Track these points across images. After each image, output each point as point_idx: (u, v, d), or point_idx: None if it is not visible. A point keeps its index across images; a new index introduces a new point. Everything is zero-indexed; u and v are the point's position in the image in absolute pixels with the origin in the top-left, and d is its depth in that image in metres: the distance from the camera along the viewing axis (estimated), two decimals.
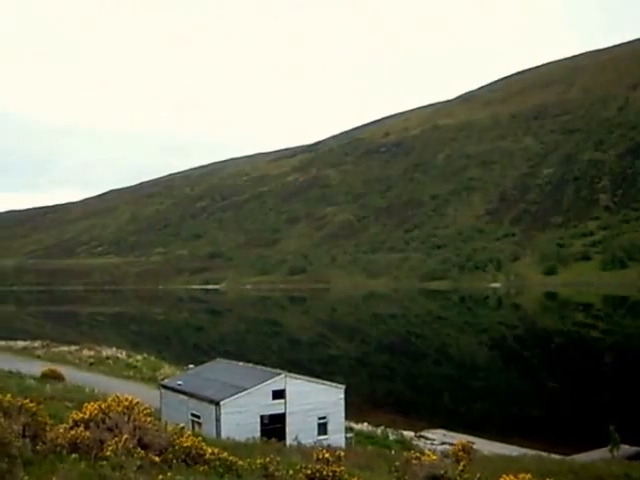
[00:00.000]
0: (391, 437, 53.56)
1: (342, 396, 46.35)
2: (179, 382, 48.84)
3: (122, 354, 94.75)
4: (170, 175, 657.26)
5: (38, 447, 15.64)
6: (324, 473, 17.90)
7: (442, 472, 20.19)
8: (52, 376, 65.71)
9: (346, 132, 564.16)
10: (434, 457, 22.92)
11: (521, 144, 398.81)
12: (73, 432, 16.27)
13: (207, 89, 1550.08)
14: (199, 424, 42.45)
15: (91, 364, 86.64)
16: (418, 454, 23.18)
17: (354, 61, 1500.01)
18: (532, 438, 53.90)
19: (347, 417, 48.25)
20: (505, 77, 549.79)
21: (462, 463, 25.91)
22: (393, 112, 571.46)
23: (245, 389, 43.44)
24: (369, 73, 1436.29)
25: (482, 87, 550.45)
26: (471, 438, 49.47)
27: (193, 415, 44.23)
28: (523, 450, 47.59)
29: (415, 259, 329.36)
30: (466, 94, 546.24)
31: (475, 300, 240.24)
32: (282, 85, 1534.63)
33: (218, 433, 40.52)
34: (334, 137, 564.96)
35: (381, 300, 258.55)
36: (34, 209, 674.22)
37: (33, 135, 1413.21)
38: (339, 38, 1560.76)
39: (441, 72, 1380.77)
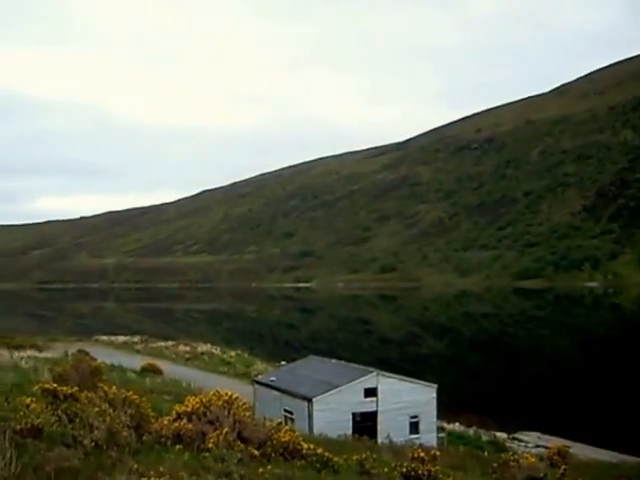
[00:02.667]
0: (483, 438, 52.97)
1: (434, 395, 46.16)
2: (272, 378, 49.57)
3: (217, 350, 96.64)
4: (262, 175, 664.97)
5: (144, 438, 16.39)
6: (419, 472, 18.09)
7: (541, 475, 20.09)
8: (151, 370, 67.56)
9: (437, 129, 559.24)
10: (532, 459, 22.77)
11: (619, 137, 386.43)
12: (177, 424, 16.97)
13: (297, 88, 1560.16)
14: (292, 420, 42.91)
15: (187, 359, 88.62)
16: (516, 456, 23.06)
17: (443, 56, 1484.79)
18: (632, 444, 52.18)
19: (439, 417, 47.98)
20: (602, 68, 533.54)
21: (562, 467, 25.63)
22: (484, 108, 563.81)
23: (337, 386, 43.77)
24: (459, 68, 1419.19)
25: (578, 79, 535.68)
26: (567, 442, 48.42)
27: (286, 411, 44.78)
28: (622, 456, 46.24)
29: (508, 257, 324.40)
30: (561, 87, 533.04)
31: (570, 299, 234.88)
32: (372, 82, 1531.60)
33: (310, 429, 40.91)
34: (425, 134, 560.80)
35: (473, 299, 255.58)
36: (131, 210, 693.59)
37: (131, 137, 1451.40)
38: (424, 32, 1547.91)
39: (534, 65, 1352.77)
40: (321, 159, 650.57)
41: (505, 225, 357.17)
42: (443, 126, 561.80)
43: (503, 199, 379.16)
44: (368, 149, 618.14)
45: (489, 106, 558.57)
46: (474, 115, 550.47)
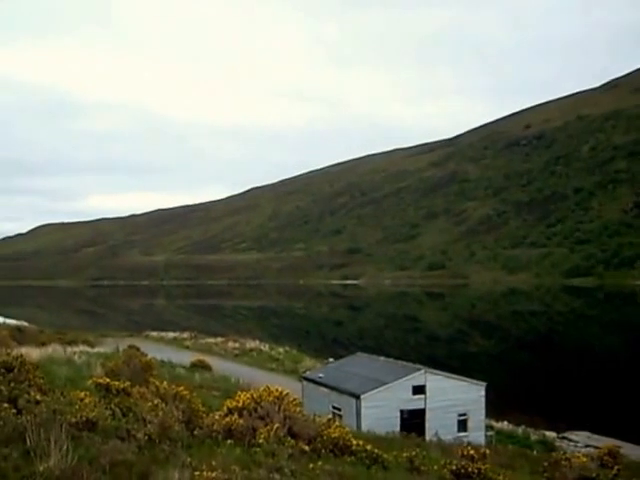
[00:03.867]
0: (532, 437, 52.49)
1: (483, 393, 45.98)
2: (320, 375, 49.75)
3: (265, 347, 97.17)
4: (309, 172, 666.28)
5: (196, 432, 16.66)
6: (469, 470, 18.07)
7: (593, 475, 19.90)
8: (200, 366, 68.27)
9: (485, 125, 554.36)
10: (584, 459, 22.57)
11: None
12: (228, 419, 17.22)
13: (345, 85, 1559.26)
14: (340, 416, 43.03)
15: (236, 355, 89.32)
16: (568, 455, 22.86)
17: (492, 51, 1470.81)
18: None
19: (487, 415, 47.73)
20: None
21: (616, 467, 25.34)
22: (534, 103, 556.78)
23: (385, 383, 43.84)
24: (508, 64, 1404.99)
25: (630, 73, 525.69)
26: (617, 442, 47.69)
27: (334, 407, 44.95)
28: None
29: (557, 255, 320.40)
30: (612, 81, 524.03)
31: (621, 298, 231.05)
32: (420, 78, 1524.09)
33: (358, 426, 41.01)
34: (473, 131, 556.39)
35: (521, 297, 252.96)
36: (181, 207, 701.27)
37: (181, 135, 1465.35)
38: (473, 28, 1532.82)
39: (584, 60, 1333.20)
40: (369, 156, 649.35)
41: (555, 222, 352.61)
42: (492, 122, 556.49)
43: (553, 196, 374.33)
44: (416, 146, 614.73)
45: (538, 102, 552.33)
46: (523, 111, 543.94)
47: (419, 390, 43.86)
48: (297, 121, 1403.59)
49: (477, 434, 44.46)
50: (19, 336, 73.22)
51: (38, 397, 16.49)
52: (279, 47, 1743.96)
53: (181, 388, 20.20)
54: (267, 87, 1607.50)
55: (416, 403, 43.75)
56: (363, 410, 42.64)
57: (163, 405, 17.04)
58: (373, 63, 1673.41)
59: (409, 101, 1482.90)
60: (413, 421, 43.23)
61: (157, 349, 74.66)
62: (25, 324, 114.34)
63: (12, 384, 17.44)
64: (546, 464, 22.35)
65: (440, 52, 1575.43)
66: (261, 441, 16.05)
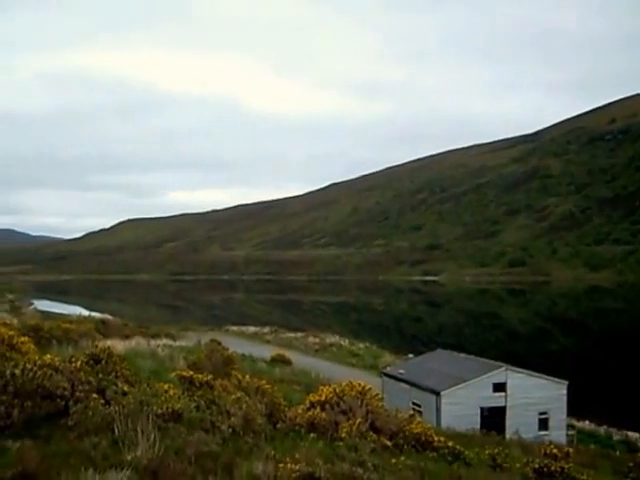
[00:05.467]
0: (615, 437, 51.49)
1: (564, 392, 45.33)
2: (401, 371, 49.71)
3: (345, 342, 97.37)
4: (389, 168, 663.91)
5: (278, 425, 16.84)
6: (552, 468, 17.82)
7: None
8: (280, 360, 68.80)
9: (568, 120, 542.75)
10: None
11: None
12: (310, 413, 17.35)
13: (425, 80, 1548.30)
14: (419, 413, 42.95)
15: (316, 350, 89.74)
16: None
17: (575, 45, 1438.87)
18: None
19: (568, 414, 46.96)
20: None
21: None
22: (619, 97, 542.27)
23: (466, 381, 43.54)
24: (592, 57, 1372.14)
25: None
26: None
27: (414, 404, 44.86)
28: None
29: None
30: None
31: None
32: (501, 72, 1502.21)
33: (438, 423, 40.88)
34: (556, 125, 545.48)
35: (604, 294, 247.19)
36: (261, 203, 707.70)
37: (260, 131, 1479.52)
38: (556, 20, 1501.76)
39: None
40: (449, 152, 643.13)
41: None
42: (575, 117, 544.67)
43: (638, 192, 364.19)
44: (497, 141, 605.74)
45: (624, 95, 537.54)
46: (608, 105, 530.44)
47: (500, 388, 43.46)
48: (377, 117, 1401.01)
49: (558, 433, 43.86)
50: (104, 329, 75.02)
51: (125, 388, 16.91)
52: (360, 43, 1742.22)
53: (262, 382, 20.44)
54: (348, 83, 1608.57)
55: (496, 401, 43.37)
56: (443, 407, 42.51)
57: (246, 398, 17.26)
58: (452, 58, 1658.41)
59: (489, 96, 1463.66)
60: (493, 419, 42.86)
61: (238, 343, 75.50)
62: (109, 317, 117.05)
63: (100, 375, 17.92)
64: (631, 465, 21.81)
65: (522, 46, 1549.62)
66: (344, 435, 16.13)
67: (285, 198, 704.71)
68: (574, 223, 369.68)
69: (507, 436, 40.85)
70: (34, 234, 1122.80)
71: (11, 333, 22.02)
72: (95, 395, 15.91)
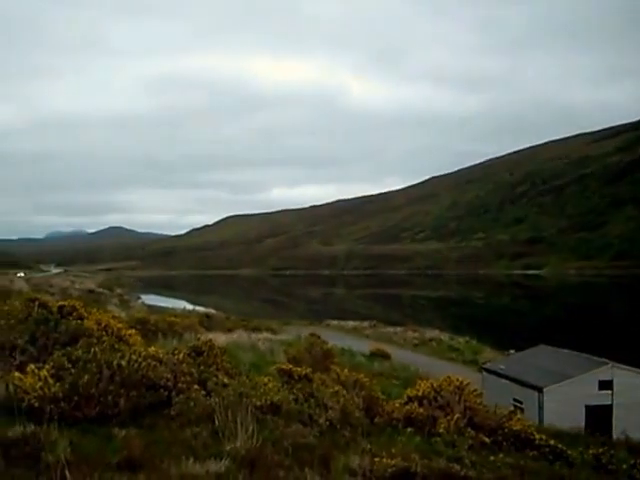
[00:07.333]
0: None
1: None
2: (502, 366, 48.89)
3: (444, 336, 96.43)
4: (489, 160, 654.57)
5: (376, 420, 16.84)
6: None
7: None
8: (379, 354, 68.68)
9: None
10: None
11: None
12: (407, 407, 17.29)
13: (523, 70, 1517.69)
14: (521, 410, 42.12)
15: (415, 345, 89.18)
16: None
17: None
18: None
19: None
20: None
21: None
22: None
23: (570, 377, 42.47)
24: None
25: None
26: None
27: (515, 400, 44.00)
28: None
29: None
30: None
31: None
32: (602, 59, 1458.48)
33: (540, 420, 39.94)
34: None
35: None
36: (360, 198, 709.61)
37: (358, 127, 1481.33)
38: None
39: None
40: (550, 142, 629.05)
41: None
42: None
43: None
44: (599, 130, 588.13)
45: None
46: None
47: (606, 385, 42.10)
48: (476, 109, 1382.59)
49: None
50: (207, 322, 76.70)
51: (225, 380, 17.25)
52: (454, 33, 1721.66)
53: (361, 375, 20.48)
54: (444, 75, 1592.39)
55: (602, 399, 42.02)
56: (546, 404, 41.50)
57: (344, 392, 17.34)
58: (551, 46, 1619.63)
59: (591, 84, 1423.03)
60: (598, 418, 41.60)
61: (337, 337, 75.83)
62: (212, 311, 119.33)
63: (202, 367, 18.35)
64: None
65: (624, 32, 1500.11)
66: (441, 431, 16.00)
67: (385, 192, 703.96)
68: None
69: (614, 436, 39.64)
70: (141, 231, 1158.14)
71: (120, 326, 22.84)
72: (196, 386, 16.32)
